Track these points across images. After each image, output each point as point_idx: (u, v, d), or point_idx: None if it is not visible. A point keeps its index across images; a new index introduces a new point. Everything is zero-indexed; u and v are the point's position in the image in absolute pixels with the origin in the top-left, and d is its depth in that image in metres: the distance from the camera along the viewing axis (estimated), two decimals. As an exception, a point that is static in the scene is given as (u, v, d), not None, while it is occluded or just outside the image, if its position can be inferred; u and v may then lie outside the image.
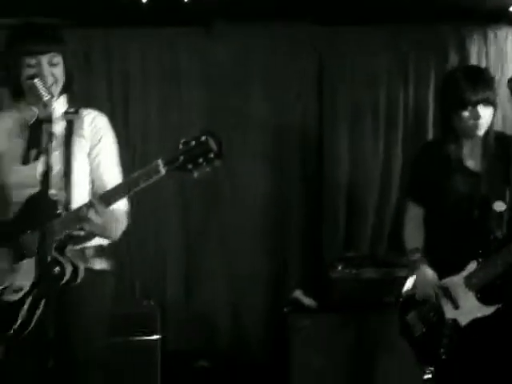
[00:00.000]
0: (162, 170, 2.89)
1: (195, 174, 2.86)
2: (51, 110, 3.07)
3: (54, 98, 3.15)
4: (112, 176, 3.36)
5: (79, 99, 3.49)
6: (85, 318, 3.26)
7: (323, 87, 5.70)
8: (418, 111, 5.68)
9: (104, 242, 3.36)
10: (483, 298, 3.60)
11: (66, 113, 3.32)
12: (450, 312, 3.66)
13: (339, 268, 5.07)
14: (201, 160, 2.84)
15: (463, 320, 3.61)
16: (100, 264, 3.35)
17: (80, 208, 3.01)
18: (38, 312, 3.05)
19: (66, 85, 3.34)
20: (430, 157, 3.87)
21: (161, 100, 5.62)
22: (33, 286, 3.07)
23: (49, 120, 3.06)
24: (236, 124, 5.58)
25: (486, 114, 3.66)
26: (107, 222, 3.06)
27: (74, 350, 3.21)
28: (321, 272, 5.31)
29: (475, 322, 3.60)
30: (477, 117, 3.63)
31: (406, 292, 3.94)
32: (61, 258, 3.09)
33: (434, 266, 3.76)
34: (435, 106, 5.50)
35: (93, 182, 3.36)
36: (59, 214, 3.08)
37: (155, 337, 4.88)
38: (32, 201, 3.15)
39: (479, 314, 3.59)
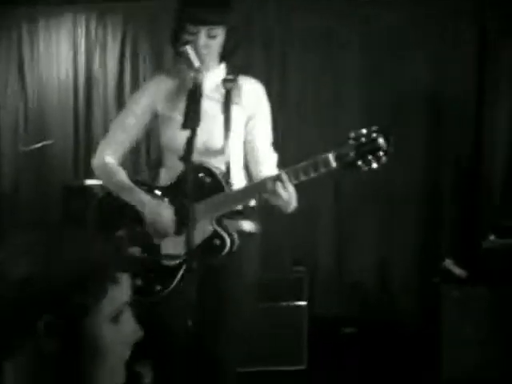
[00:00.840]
0: (333, 164, 2.92)
1: (362, 170, 2.89)
2: (212, 76, 3.17)
3: (206, 67, 3.14)
4: (267, 149, 3.37)
5: (238, 67, 3.43)
6: (236, 281, 3.30)
7: (485, 54, 5.53)
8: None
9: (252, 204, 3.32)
10: None
11: (224, 80, 3.28)
12: None
13: (492, 237, 4.87)
14: (370, 157, 2.86)
15: None
16: (249, 226, 3.34)
17: (265, 181, 3.03)
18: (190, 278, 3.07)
19: (226, 54, 3.29)
20: None
21: (317, 69, 5.65)
22: (189, 255, 3.04)
23: (210, 86, 3.16)
24: (395, 94, 5.54)
25: None
26: (291, 196, 3.05)
27: (225, 312, 3.28)
28: (473, 241, 5.17)
29: None
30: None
31: None
32: (221, 231, 3.14)
33: None
34: None
35: (246, 152, 3.37)
36: (223, 187, 3.13)
37: (303, 303, 4.90)
38: (195, 169, 3.11)
39: None
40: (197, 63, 3.05)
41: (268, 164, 3.32)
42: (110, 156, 3.33)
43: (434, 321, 4.88)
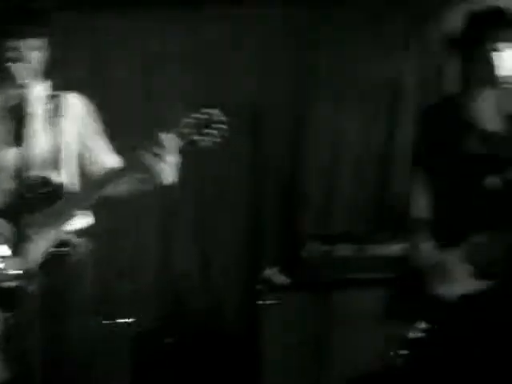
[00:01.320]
0: (174, 141, 2.99)
1: (202, 145, 2.97)
2: (28, 94, 3.14)
3: (31, 82, 3.17)
4: (107, 155, 3.41)
5: (62, 83, 3.44)
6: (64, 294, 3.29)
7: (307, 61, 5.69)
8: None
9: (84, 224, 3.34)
10: (480, 274, 3.32)
11: (49, 96, 3.31)
12: (443, 287, 3.38)
13: (312, 245, 5.04)
14: (209, 131, 2.96)
15: (453, 294, 3.35)
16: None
17: (142, 151, 3.03)
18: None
19: (50, 69, 3.32)
20: (439, 117, 3.53)
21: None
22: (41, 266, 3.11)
23: (25, 104, 3.14)
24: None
25: (508, 53, 3.22)
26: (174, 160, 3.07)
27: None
28: (294, 250, 5.25)
29: (467, 298, 3.35)
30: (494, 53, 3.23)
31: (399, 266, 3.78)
32: (66, 238, 3.16)
33: (436, 238, 3.47)
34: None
35: (89, 164, 3.38)
36: (59, 196, 3.15)
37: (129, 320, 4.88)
38: (27, 183, 3.16)
39: (471, 289, 3.32)
40: (21, 79, 3.10)
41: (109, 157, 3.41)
42: None
43: (257, 328, 4.96)
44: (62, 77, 3.41)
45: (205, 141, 2.95)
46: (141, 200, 5.10)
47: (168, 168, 3.04)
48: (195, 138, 2.94)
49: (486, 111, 3.37)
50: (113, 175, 3.14)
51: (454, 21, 3.58)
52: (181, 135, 2.97)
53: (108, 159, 3.38)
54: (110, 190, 3.17)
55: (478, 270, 3.30)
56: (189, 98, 5.36)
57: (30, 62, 3.17)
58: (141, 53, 5.57)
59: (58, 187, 3.16)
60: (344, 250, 5.01)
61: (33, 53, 3.18)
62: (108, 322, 4.83)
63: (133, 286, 5.16)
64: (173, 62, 5.59)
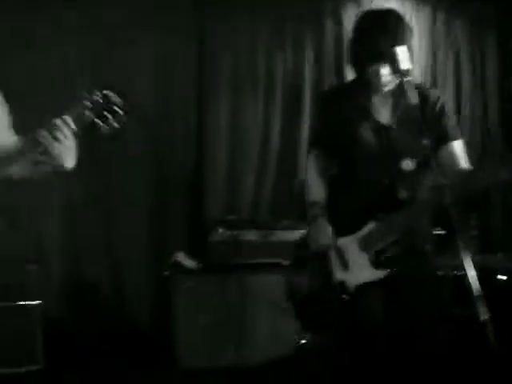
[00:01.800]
0: (73, 125, 2.83)
1: (104, 130, 2.84)
2: None
3: None
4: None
5: None
6: None
7: (203, 54, 5.78)
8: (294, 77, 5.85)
9: None
10: (376, 262, 3.34)
11: None
12: (339, 273, 3.39)
13: (220, 231, 5.16)
14: (107, 114, 2.84)
15: (352, 282, 3.36)
16: None
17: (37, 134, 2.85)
18: None
19: None
20: (336, 105, 3.53)
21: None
22: None
23: None
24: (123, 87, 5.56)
25: (401, 49, 3.18)
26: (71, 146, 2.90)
27: None
28: (202, 234, 5.35)
29: (366, 286, 3.35)
30: (384, 74, 3.31)
31: (298, 252, 3.66)
32: None
33: (332, 223, 3.47)
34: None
35: None
36: None
37: (35, 302, 4.87)
38: None
39: (368, 278, 3.34)
40: None
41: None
42: None
43: (169, 312, 5.04)
44: None
45: (104, 125, 2.84)
46: (44, 185, 5.23)
47: (67, 151, 2.87)
48: (95, 120, 2.82)
49: (381, 104, 3.46)
50: (10, 154, 2.96)
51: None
52: (79, 118, 2.83)
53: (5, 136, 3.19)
54: (7, 170, 2.98)
55: (373, 258, 3.35)
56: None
57: None
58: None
59: None
60: (250, 236, 5.14)
61: None
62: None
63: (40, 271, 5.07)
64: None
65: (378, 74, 3.33)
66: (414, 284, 3.39)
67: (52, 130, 2.82)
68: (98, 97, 2.84)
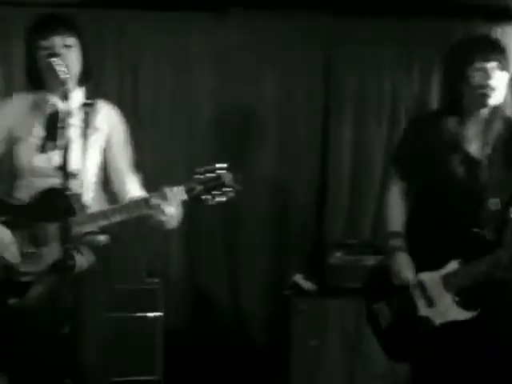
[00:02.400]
0: (182, 197, 3.09)
1: (210, 203, 3.06)
2: (69, 100, 3.14)
3: (71, 81, 3.20)
4: (129, 169, 3.50)
5: (95, 91, 3.55)
6: (91, 291, 3.39)
7: (331, 72, 5.80)
8: (421, 100, 5.78)
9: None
10: (461, 302, 3.34)
11: (83, 104, 3.34)
12: (423, 309, 3.42)
13: (338, 254, 5.19)
14: (216, 192, 3.04)
15: (437, 320, 3.38)
16: (104, 239, 3.42)
17: (149, 197, 3.12)
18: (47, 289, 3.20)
19: (84, 75, 3.40)
20: (425, 130, 3.51)
21: (172, 86, 5.70)
22: (47, 272, 3.19)
23: (67, 111, 3.14)
24: (246, 109, 5.70)
25: (498, 76, 3.26)
26: (174, 213, 3.16)
27: (82, 321, 3.32)
28: (321, 257, 5.39)
29: (450, 325, 3.36)
30: (487, 75, 3.25)
31: (376, 278, 3.74)
32: (72, 251, 3.16)
33: (411, 255, 3.49)
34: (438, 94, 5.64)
35: (109, 174, 3.48)
36: (74, 210, 3.18)
37: (157, 314, 5.02)
38: (49, 191, 3.24)
39: (455, 318, 3.34)
40: (63, 74, 3.12)
41: (133, 184, 3.47)
42: None
43: (284, 333, 5.11)
44: (96, 85, 3.49)
45: (212, 200, 3.06)
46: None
47: (171, 218, 3.16)
48: (203, 196, 3.06)
49: (473, 135, 3.41)
50: (129, 208, 3.17)
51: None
52: (189, 190, 3.07)
53: (129, 178, 3.47)
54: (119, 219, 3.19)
55: (458, 298, 3.36)
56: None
57: (67, 59, 3.22)
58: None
59: (75, 202, 3.20)
60: (369, 260, 5.11)
61: (67, 51, 3.26)
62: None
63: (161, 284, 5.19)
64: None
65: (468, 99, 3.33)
66: (502, 318, 3.40)
67: (163, 197, 3.09)
68: (211, 174, 3.05)
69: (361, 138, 5.80)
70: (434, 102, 5.69)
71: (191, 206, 5.35)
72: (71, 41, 3.30)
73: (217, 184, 3.04)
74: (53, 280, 3.14)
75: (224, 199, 3.06)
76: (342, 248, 5.24)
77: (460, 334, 3.37)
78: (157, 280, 5.18)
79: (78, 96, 3.36)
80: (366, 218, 5.78)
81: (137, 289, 5.08)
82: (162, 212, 3.10)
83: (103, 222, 3.21)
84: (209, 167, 3.06)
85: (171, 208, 3.11)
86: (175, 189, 3.09)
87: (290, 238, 5.79)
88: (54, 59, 3.13)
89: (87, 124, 3.29)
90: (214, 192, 3.04)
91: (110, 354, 3.73)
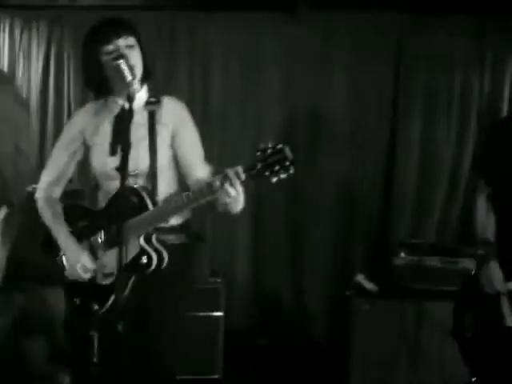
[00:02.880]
0: (242, 176, 3.02)
1: (272, 180, 2.97)
2: (134, 92, 3.16)
3: (137, 81, 3.23)
4: (200, 161, 3.46)
5: (159, 87, 3.55)
6: (168, 290, 3.39)
7: (400, 72, 5.74)
8: (492, 102, 5.63)
9: (177, 221, 3.42)
10: None
11: (147, 102, 3.34)
12: (509, 319, 3.34)
13: (402, 254, 5.11)
14: (277, 168, 2.95)
15: None
16: (179, 239, 3.44)
17: (212, 181, 3.09)
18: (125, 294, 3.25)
19: (146, 73, 3.39)
20: (506, 133, 3.41)
21: (241, 84, 5.77)
22: (119, 273, 3.18)
23: (133, 111, 3.16)
24: (315, 108, 5.70)
25: None
26: (239, 194, 3.11)
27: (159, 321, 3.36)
28: (384, 258, 5.35)
29: None
30: None
31: (466, 287, 3.62)
32: (148, 248, 3.24)
33: (500, 264, 3.40)
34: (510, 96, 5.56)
35: (181, 168, 3.45)
36: (147, 206, 3.22)
37: (219, 313, 5.05)
38: (121, 192, 3.20)
39: None
40: (130, 76, 3.15)
41: (202, 174, 3.38)
42: (42, 191, 3.51)
43: (345, 333, 5.05)
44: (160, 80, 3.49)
45: (272, 176, 2.97)
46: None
47: (235, 201, 3.12)
48: (266, 173, 2.97)
49: None
50: (202, 194, 3.12)
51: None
52: (250, 168, 3.01)
53: (200, 170, 3.40)
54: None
55: None
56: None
57: (131, 59, 3.24)
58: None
59: (147, 198, 3.23)
60: (433, 261, 5.04)
61: (130, 51, 3.28)
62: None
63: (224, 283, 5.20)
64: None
65: None
66: None
67: (223, 181, 3.03)
68: (271, 150, 2.96)
69: (429, 138, 5.72)
70: (506, 103, 5.60)
71: (257, 208, 5.58)
72: (132, 41, 3.33)
73: (277, 159, 2.96)
74: (132, 280, 3.22)
75: (285, 175, 2.96)
76: (405, 248, 5.15)
77: None
78: (219, 280, 5.21)
79: (142, 94, 3.38)
80: (431, 219, 5.69)
81: (200, 288, 5.06)
82: (226, 194, 3.05)
83: (173, 215, 3.26)
84: (268, 144, 3.00)
85: (233, 190, 3.05)
86: (236, 169, 3.04)
87: (354, 238, 5.78)
88: (121, 61, 3.17)
89: (154, 121, 3.31)
90: (275, 168, 2.95)
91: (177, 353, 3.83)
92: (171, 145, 3.40)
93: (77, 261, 3.34)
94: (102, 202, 3.43)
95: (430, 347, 4.82)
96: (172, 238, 3.37)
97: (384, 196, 5.76)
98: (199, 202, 3.13)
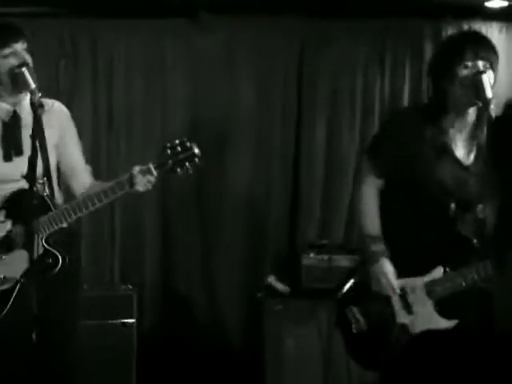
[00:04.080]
0: (154, 172, 3.18)
1: (180, 174, 3.17)
2: (21, 105, 3.21)
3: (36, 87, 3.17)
4: (82, 163, 3.58)
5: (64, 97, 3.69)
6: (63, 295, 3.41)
7: (303, 77, 5.80)
8: (393, 101, 5.77)
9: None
10: (442, 310, 3.26)
11: (32, 105, 3.22)
12: (402, 316, 3.31)
13: (311, 255, 5.18)
14: (187, 164, 3.14)
15: (415, 328, 3.28)
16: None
17: (130, 176, 3.22)
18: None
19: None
20: (408, 126, 3.30)
21: (146, 91, 5.74)
22: (25, 275, 3.21)
23: (20, 115, 3.23)
24: (219, 114, 5.72)
25: (487, 75, 3.11)
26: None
27: (53, 328, 3.29)
28: (294, 258, 5.38)
29: (428, 334, 3.29)
30: (478, 74, 3.09)
31: (352, 282, 3.51)
32: (52, 249, 3.24)
33: (391, 260, 3.33)
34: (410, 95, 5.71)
35: (65, 169, 3.51)
36: (49, 207, 3.24)
37: (131, 320, 5.00)
38: (18, 194, 3.27)
39: (433, 327, 3.26)
40: (33, 84, 3.13)
41: (85, 175, 3.54)
42: None
43: (259, 333, 5.12)
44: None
45: (180, 171, 3.16)
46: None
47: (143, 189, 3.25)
48: (177, 169, 3.15)
49: (460, 138, 3.29)
50: (99, 196, 3.25)
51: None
52: (163, 165, 3.18)
53: (84, 171, 3.55)
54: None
55: (438, 307, 3.28)
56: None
57: (31, 66, 3.23)
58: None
59: (47, 199, 3.26)
60: (342, 261, 5.11)
61: (28, 56, 3.27)
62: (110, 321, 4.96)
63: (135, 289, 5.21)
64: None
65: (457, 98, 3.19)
66: (482, 328, 3.33)
67: (133, 177, 3.20)
68: (181, 147, 3.15)
69: (333, 138, 5.82)
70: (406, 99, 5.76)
71: (165, 211, 5.56)
72: (28, 46, 3.31)
73: (187, 155, 3.14)
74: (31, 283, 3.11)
75: (191, 171, 3.17)
76: (314, 248, 5.24)
77: (437, 344, 3.30)
78: (131, 286, 5.18)
79: (27, 99, 3.34)
80: (338, 219, 5.76)
81: (111, 295, 5.09)
82: (144, 186, 3.22)
83: (80, 215, 3.28)
84: (176, 141, 3.17)
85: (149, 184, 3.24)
86: (148, 165, 3.21)
87: (264, 240, 5.80)
88: (24, 68, 3.16)
89: (41, 123, 3.23)
90: (185, 164, 3.14)
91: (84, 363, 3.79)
92: (57, 146, 3.44)
93: None
94: None
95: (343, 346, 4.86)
96: (60, 239, 3.34)
97: (292, 197, 5.81)
98: (109, 199, 3.25)
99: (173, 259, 5.78)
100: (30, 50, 3.34)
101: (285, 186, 5.81)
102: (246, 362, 5.38)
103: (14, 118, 3.32)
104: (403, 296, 3.31)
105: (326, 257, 5.14)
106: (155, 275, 5.76)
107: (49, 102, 3.42)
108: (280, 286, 5.13)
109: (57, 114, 3.47)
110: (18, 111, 3.27)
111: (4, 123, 3.34)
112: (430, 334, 3.28)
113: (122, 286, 5.22)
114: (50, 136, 3.33)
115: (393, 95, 5.79)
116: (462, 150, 3.28)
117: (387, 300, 3.33)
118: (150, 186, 3.24)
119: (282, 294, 5.10)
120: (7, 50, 3.24)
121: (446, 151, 3.25)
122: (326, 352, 4.90)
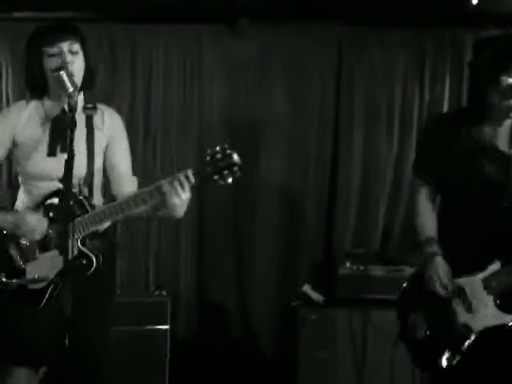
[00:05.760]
0: (192, 179, 3.06)
1: (219, 183, 3.02)
2: (75, 103, 3.10)
3: (77, 90, 3.16)
4: (129, 172, 3.52)
5: (96, 95, 3.52)
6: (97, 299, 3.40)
7: (341, 84, 5.78)
8: (432, 110, 5.69)
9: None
10: (502, 305, 3.24)
11: (84, 108, 3.34)
12: (462, 315, 3.31)
13: (347, 264, 5.15)
14: (226, 172, 3.00)
15: (476, 326, 3.26)
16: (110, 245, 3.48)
17: (161, 183, 3.10)
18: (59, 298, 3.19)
19: (88, 81, 3.38)
20: (448, 131, 3.38)
21: (183, 96, 5.74)
22: (59, 275, 3.20)
23: (73, 113, 3.09)
24: (256, 121, 5.71)
25: None
26: (187, 197, 3.14)
27: (86, 331, 3.28)
28: (329, 268, 5.38)
29: (490, 331, 3.25)
30: None
31: (410, 288, 3.55)
32: (86, 250, 3.22)
33: (447, 260, 3.36)
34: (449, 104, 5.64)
35: (109, 174, 3.47)
36: (86, 209, 3.21)
37: (165, 326, 5.00)
38: (56, 194, 3.26)
39: (495, 322, 3.24)
40: (71, 88, 3.10)
41: (130, 186, 3.44)
42: None
43: (292, 343, 5.08)
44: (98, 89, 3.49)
45: (220, 180, 3.02)
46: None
47: (181, 204, 3.13)
48: (215, 177, 3.01)
49: (501, 137, 3.34)
50: (136, 201, 3.17)
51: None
52: (201, 172, 3.05)
53: (129, 181, 3.47)
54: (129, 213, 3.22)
55: (499, 301, 3.26)
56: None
57: (73, 66, 3.23)
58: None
59: (85, 201, 3.24)
60: (378, 271, 5.10)
61: (73, 58, 3.25)
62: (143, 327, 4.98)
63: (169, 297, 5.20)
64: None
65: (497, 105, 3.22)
66: None
67: (174, 182, 3.07)
68: (221, 155, 3.01)
69: (371, 147, 5.77)
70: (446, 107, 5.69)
71: (201, 219, 5.57)
72: (76, 47, 3.30)
73: (226, 164, 3.00)
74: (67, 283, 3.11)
75: (231, 180, 3.02)
76: (350, 258, 5.20)
77: (501, 340, 3.29)
78: (165, 293, 5.19)
79: (80, 100, 3.34)
80: (374, 228, 5.73)
81: (145, 301, 5.09)
82: (176, 195, 3.08)
83: (116, 218, 3.24)
84: (217, 148, 3.03)
85: (183, 192, 3.09)
86: (186, 171, 3.08)
87: (299, 249, 5.77)
88: (62, 72, 3.13)
89: (92, 125, 3.32)
90: (224, 172, 3.00)
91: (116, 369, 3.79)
92: (105, 150, 3.42)
93: (22, 218, 3.25)
94: (27, 203, 3.38)
95: (377, 356, 4.84)
96: (97, 244, 3.32)
97: (328, 206, 5.78)
98: (146, 204, 3.15)
99: (207, 267, 5.78)
100: (80, 51, 3.31)
101: (321, 194, 5.78)
102: (279, 371, 5.36)
103: (62, 117, 3.27)
104: (462, 295, 3.32)
105: (361, 267, 5.12)
106: (190, 283, 5.75)
107: (102, 107, 3.44)
108: (315, 295, 5.09)
109: (108, 118, 3.44)
110: (66, 110, 3.18)
111: (53, 121, 3.34)
112: (493, 331, 3.26)
113: (156, 293, 5.22)
114: (99, 139, 3.36)
115: (431, 104, 5.73)
116: (506, 144, 3.33)
117: (448, 302, 3.34)
118: (184, 196, 3.11)
119: (316, 304, 5.07)
120: (53, 50, 3.24)
121: (489, 146, 3.31)
122: (359, 362, 4.91)
